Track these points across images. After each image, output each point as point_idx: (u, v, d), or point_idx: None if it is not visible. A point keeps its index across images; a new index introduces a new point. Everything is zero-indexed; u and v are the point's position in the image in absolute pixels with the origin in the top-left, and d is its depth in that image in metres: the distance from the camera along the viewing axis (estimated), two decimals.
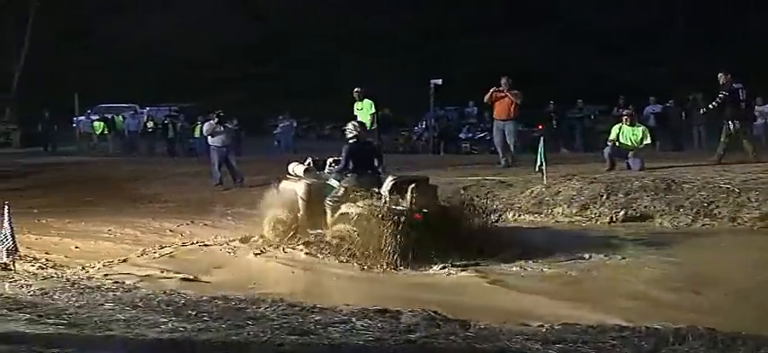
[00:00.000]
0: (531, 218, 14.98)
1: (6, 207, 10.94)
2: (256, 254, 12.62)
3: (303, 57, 48.35)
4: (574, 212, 14.89)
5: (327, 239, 12.41)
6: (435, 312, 8.23)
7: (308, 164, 13.87)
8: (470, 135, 30.60)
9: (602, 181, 15.90)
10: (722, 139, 18.58)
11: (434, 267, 11.09)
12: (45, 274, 10.98)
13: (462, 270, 10.96)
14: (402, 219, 11.51)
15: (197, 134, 29.33)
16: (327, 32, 49.69)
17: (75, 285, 10.01)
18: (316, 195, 13.19)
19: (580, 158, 22.76)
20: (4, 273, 10.78)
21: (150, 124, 35.36)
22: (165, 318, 8.17)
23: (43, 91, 39.99)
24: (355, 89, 20.68)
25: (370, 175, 13.08)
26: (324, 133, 38.38)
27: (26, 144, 37.76)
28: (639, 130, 18.44)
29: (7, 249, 10.98)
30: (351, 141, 13.43)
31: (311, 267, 11.72)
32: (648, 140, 18.39)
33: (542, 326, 7.83)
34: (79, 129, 38.15)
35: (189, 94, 41.62)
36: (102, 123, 36.32)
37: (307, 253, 12.28)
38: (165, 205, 18.71)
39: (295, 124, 35.24)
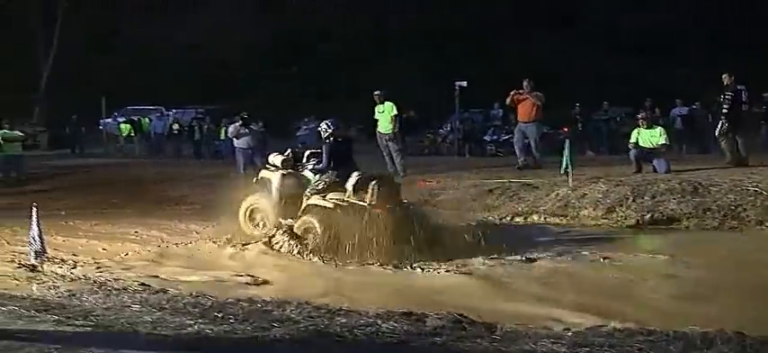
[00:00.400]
0: (557, 220, 14.93)
1: (34, 209, 11.01)
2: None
3: (328, 58, 48.37)
4: (600, 214, 14.83)
5: (295, 228, 12.98)
6: (461, 315, 8.21)
7: (287, 155, 14.43)
8: (495, 137, 30.49)
9: (628, 184, 15.85)
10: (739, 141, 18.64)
11: (416, 267, 11.43)
12: (73, 275, 11.02)
13: (447, 271, 11.24)
14: (364, 213, 12.27)
15: (223, 136, 29.43)
16: (352, 34, 49.69)
17: (103, 287, 10.06)
18: (290, 186, 13.92)
19: (606, 160, 22.66)
20: (32, 274, 10.87)
21: (176, 126, 35.50)
22: (191, 319, 8.20)
23: (71, 93, 40.27)
24: (376, 92, 20.73)
25: (348, 171, 13.43)
26: (349, 135, 38.30)
27: (54, 146, 37.97)
28: (656, 131, 18.48)
29: (35, 251, 11.06)
30: (329, 140, 13.91)
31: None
32: (665, 140, 18.36)
33: (569, 329, 7.81)
34: (106, 131, 38.34)
35: (215, 96, 41.77)
36: (128, 126, 36.51)
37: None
38: (191, 207, 18.77)
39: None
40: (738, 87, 18.74)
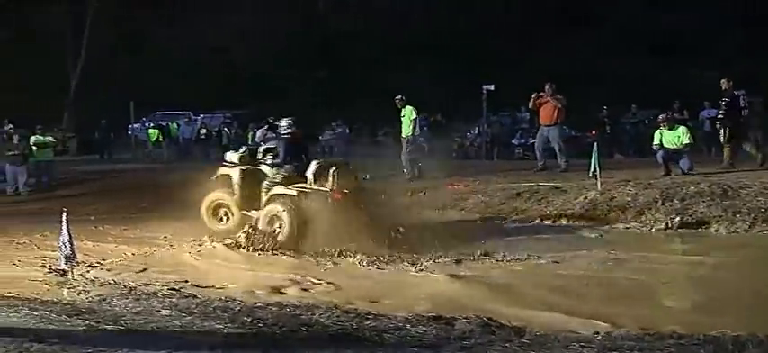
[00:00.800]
0: (585, 224, 14.89)
1: (65, 214, 11.07)
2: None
3: (355, 62, 48.35)
4: (629, 217, 14.77)
5: (260, 220, 13.89)
6: (490, 319, 8.20)
7: (243, 152, 15.57)
8: (523, 141, 30.45)
9: (656, 186, 15.77)
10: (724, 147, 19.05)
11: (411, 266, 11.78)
12: (103, 280, 11.07)
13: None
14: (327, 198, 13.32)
15: (250, 141, 29.50)
16: (379, 37, 49.65)
17: (133, 292, 10.10)
18: (250, 180, 14.90)
19: (634, 163, 22.56)
20: (62, 279, 10.91)
21: (204, 131, 35.61)
22: (220, 324, 8.23)
23: (99, 99, 40.47)
24: (397, 97, 21.03)
25: (304, 165, 14.35)
26: (377, 139, 38.34)
27: (83, 152, 38.20)
28: (679, 130, 18.42)
29: (66, 256, 11.11)
30: (286, 136, 14.95)
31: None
32: (688, 139, 18.26)
33: (598, 333, 7.78)
34: (134, 136, 38.52)
35: (242, 100, 41.87)
36: (156, 131, 36.65)
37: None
38: None
39: (348, 130, 35.32)
40: (736, 93, 18.97)
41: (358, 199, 13.51)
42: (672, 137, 18.21)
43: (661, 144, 18.26)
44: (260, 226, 13.78)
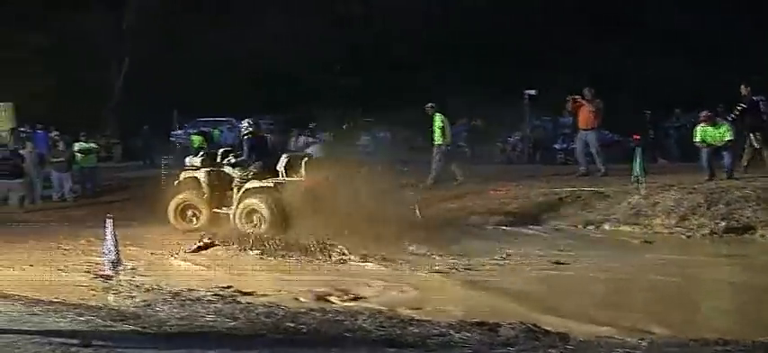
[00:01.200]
0: (629, 229, 14.79)
1: (110, 220, 11.16)
2: None
3: (392, 66, 48.30)
4: (673, 223, 14.66)
5: (236, 216, 14.78)
6: (534, 325, 8.16)
7: (203, 156, 16.62)
8: (565, 145, 30.26)
9: (701, 191, 15.65)
10: (745, 149, 18.88)
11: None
12: (147, 285, 11.14)
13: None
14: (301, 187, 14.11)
15: (292, 146, 29.59)
16: (419, 44, 49.61)
17: (177, 297, 10.15)
18: (217, 180, 15.85)
19: (677, 168, 22.34)
20: (108, 285, 11.00)
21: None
22: (263, 330, 8.26)
23: (142, 105, 40.75)
24: (427, 105, 21.08)
25: (268, 161, 15.30)
26: (416, 145, 38.24)
27: (127, 158, 38.46)
28: (723, 127, 18.21)
29: (111, 261, 11.19)
30: (247, 136, 15.95)
31: None
32: (731, 136, 18.05)
33: (643, 339, 7.72)
34: (177, 142, 38.71)
35: (283, 106, 41.98)
36: (200, 137, 36.80)
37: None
38: None
39: (389, 135, 35.29)
40: (755, 98, 19.05)
41: (335, 190, 14.05)
42: (715, 133, 18.03)
43: (703, 140, 18.08)
44: (236, 222, 14.63)
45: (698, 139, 18.25)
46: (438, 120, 20.85)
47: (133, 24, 45.76)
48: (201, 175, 15.93)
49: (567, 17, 47.35)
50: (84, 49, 44.30)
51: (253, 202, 14.55)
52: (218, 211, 15.41)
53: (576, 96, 20.21)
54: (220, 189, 15.71)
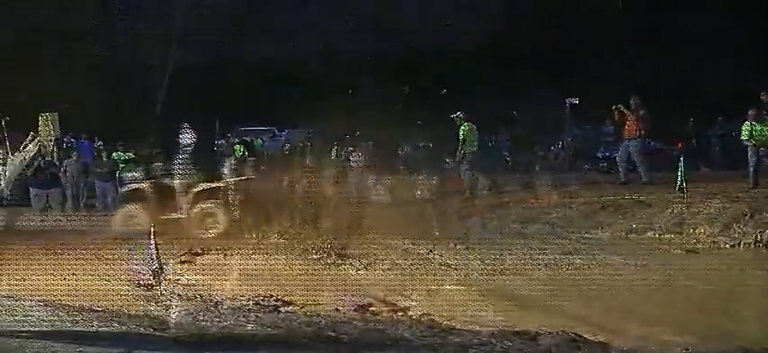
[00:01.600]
0: (671, 237, 14.65)
1: (152, 230, 11.24)
2: None
3: (439, 78, 48.28)
4: (716, 231, 14.47)
5: (190, 220, 15.61)
6: (577, 335, 8.11)
7: (139, 170, 18.37)
8: (607, 154, 30.07)
9: (745, 200, 15.45)
10: None
11: None
12: (189, 294, 11.21)
13: None
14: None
15: (334, 156, 29.63)
16: (462, 53, 49.53)
17: (218, 306, 10.20)
18: (162, 189, 16.79)
19: (721, 176, 22.11)
20: (149, 293, 11.08)
21: (288, 146, 35.85)
22: (304, 339, 8.27)
23: (185, 115, 40.98)
24: (455, 114, 21.20)
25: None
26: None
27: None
28: None
29: (153, 271, 11.28)
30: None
31: None
32: None
33: (687, 349, 7.65)
34: (219, 152, 38.86)
35: (325, 116, 42.03)
36: (241, 146, 36.95)
37: None
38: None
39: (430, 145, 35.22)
40: None
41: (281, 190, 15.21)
42: (762, 130, 17.84)
43: (751, 135, 17.90)
44: (192, 226, 15.33)
45: (745, 136, 18.10)
46: (463, 128, 21.13)
47: (179, 34, 46.06)
48: (146, 185, 17.22)
49: (609, 24, 47.11)
50: (129, 58, 44.72)
51: (205, 204, 15.65)
52: (168, 217, 16.07)
53: (621, 106, 20.15)
54: (168, 197, 16.62)
